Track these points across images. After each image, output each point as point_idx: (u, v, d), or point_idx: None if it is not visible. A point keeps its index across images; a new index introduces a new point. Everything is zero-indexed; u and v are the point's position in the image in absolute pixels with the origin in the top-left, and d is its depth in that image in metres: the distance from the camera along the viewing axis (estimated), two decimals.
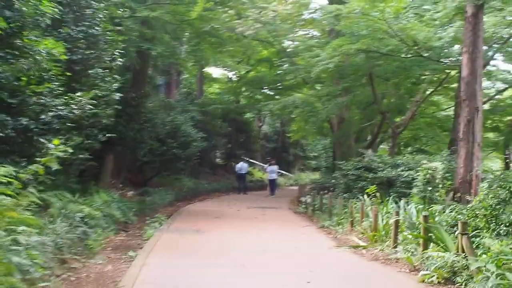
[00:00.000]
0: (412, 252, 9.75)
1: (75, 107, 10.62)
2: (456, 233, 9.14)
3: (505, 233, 9.11)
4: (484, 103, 26.40)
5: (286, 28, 29.48)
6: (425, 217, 9.59)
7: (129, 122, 19.13)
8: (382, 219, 12.13)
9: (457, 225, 10.04)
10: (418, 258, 9.24)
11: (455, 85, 30.69)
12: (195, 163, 28.87)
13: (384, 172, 16.32)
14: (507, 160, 29.03)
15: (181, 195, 24.59)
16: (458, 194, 14.08)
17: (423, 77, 28.34)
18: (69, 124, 10.83)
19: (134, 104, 19.66)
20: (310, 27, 31.82)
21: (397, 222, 10.67)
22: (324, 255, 10.73)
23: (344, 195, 17.12)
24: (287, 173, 45.78)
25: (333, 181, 20.69)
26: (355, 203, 14.35)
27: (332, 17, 21.05)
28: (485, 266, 7.38)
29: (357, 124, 27.09)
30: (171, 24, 19.86)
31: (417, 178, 14.31)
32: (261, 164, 40.43)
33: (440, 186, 13.89)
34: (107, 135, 13.83)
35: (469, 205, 10.22)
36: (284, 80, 35.15)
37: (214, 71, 45.84)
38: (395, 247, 10.51)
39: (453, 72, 26.35)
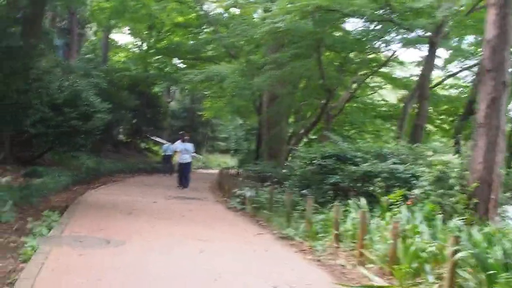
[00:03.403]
0: None
1: None
2: None
3: None
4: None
5: None
6: None
7: (12, 79, 13.45)
8: (404, 243, 7.44)
9: None
10: None
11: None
12: (96, 139, 23.39)
13: (367, 164, 11.50)
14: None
15: (80, 177, 19.10)
16: (475, 200, 9.78)
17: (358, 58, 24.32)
18: None
19: (21, 56, 13.93)
20: None
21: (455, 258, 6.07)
22: None
23: (303, 191, 12.27)
24: (196, 155, 40.73)
25: (284, 171, 15.78)
26: (347, 209, 9.54)
27: None
28: None
29: (297, 102, 22.21)
30: None
31: (422, 176, 9.81)
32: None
33: (456, 188, 9.45)
34: None
35: None
36: (202, 51, 29.95)
37: (121, 38, 39.83)
38: None
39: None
